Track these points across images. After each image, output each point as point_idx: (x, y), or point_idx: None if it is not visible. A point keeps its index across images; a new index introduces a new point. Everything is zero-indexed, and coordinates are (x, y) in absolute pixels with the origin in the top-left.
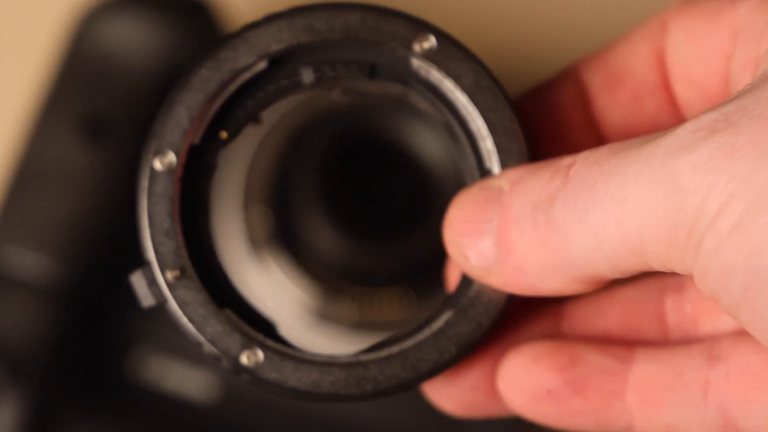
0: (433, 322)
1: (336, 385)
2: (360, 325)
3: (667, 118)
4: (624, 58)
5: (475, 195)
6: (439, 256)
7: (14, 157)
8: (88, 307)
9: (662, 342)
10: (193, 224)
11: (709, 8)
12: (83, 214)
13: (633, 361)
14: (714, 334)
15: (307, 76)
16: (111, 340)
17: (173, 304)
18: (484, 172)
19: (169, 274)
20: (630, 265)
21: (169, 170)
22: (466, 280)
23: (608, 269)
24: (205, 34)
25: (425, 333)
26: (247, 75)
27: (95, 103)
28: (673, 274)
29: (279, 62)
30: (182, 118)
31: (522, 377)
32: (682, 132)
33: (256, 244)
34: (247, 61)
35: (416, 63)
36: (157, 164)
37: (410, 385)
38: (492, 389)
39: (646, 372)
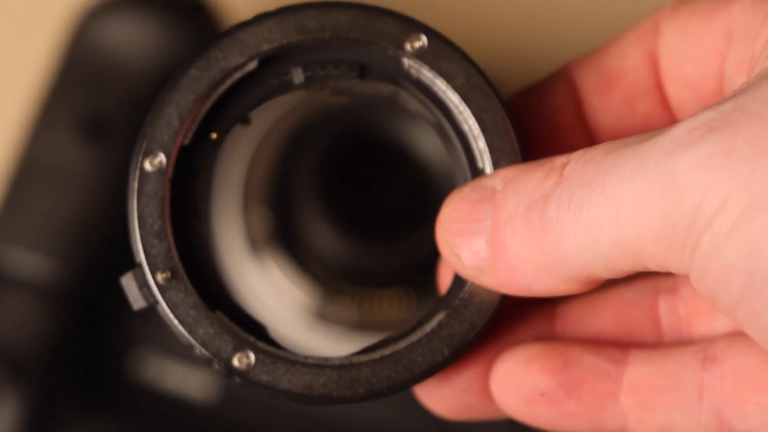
0: (425, 323)
1: (328, 387)
2: (360, 326)
3: (659, 119)
4: (616, 59)
5: (467, 194)
6: (438, 256)
7: (14, 157)
8: (88, 307)
9: (656, 343)
10: (183, 225)
11: (703, 9)
12: (83, 214)
13: (627, 362)
14: (708, 335)
15: (297, 76)
16: (111, 340)
17: (164, 307)
18: (477, 172)
19: (160, 276)
20: (625, 265)
21: (159, 171)
22: (458, 281)
23: (603, 269)
24: (205, 34)
25: (418, 334)
26: (237, 75)
27: (95, 103)
28: (666, 275)
29: (269, 62)
30: (172, 118)
31: (515, 379)
32: (679, 130)
33: (255, 244)
34: (237, 60)
35: (407, 62)
36: (147, 165)
37: (403, 387)
38: (485, 391)
39: (640, 374)
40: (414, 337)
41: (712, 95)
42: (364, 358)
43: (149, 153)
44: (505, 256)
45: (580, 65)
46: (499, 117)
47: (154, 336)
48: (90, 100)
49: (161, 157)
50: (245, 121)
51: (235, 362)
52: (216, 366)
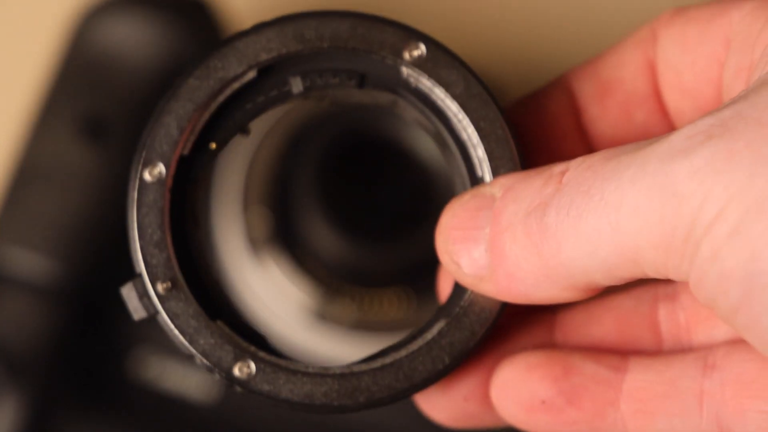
0: (426, 331)
1: (329, 396)
2: (360, 326)
3: (657, 127)
4: (614, 67)
5: (466, 202)
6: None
7: (14, 157)
8: (88, 307)
9: (656, 351)
10: (183, 235)
11: (701, 16)
12: (83, 214)
13: (627, 370)
14: (708, 342)
15: (296, 85)
16: (111, 340)
17: (165, 317)
18: (476, 180)
19: (160, 287)
20: (625, 271)
21: (159, 181)
22: (459, 289)
23: (602, 276)
24: (205, 34)
25: (418, 342)
26: (236, 85)
27: (95, 103)
28: (666, 282)
29: (268, 71)
30: (171, 128)
31: (516, 387)
32: (679, 137)
33: (255, 244)
34: (236, 70)
35: (406, 71)
36: (147, 175)
37: (404, 395)
38: (485, 400)
39: (640, 381)
40: (414, 346)
41: (711, 102)
42: (364, 366)
43: (149, 163)
44: (505, 264)
45: (578, 73)
46: (497, 125)
47: (154, 336)
48: (90, 100)
49: (161, 168)
50: (244, 131)
51: (236, 372)
52: (217, 375)
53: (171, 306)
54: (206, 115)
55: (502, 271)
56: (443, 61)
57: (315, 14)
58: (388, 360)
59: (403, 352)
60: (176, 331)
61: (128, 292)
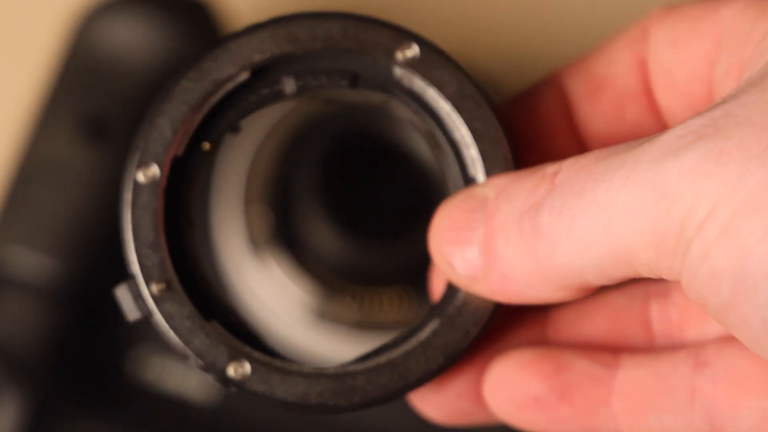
0: (420, 331)
1: (324, 396)
2: (360, 325)
3: (649, 125)
4: (605, 65)
5: (459, 203)
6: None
7: (14, 157)
8: (88, 307)
9: (648, 348)
10: (177, 235)
11: (692, 14)
12: (83, 214)
13: (619, 367)
14: (700, 339)
15: (289, 85)
16: (111, 341)
17: (159, 318)
18: (469, 181)
19: (155, 288)
20: (618, 271)
21: (153, 182)
22: (452, 288)
23: (596, 276)
24: (205, 34)
25: (412, 342)
26: (229, 86)
27: (95, 103)
28: (658, 280)
29: (261, 72)
30: (165, 129)
31: (508, 385)
32: (669, 137)
33: (256, 244)
34: (229, 71)
35: (399, 72)
36: (141, 177)
37: (398, 395)
38: (478, 397)
39: (632, 378)
40: (408, 346)
41: (702, 100)
42: (359, 366)
43: (142, 164)
44: (499, 265)
45: (569, 71)
46: (491, 125)
47: (154, 336)
48: (91, 100)
49: (154, 169)
50: (236, 129)
51: (231, 372)
52: (212, 376)
53: (165, 307)
54: (199, 116)
55: (496, 272)
56: (436, 61)
57: (308, 15)
58: (382, 360)
59: (397, 352)
60: (171, 332)
61: (122, 294)
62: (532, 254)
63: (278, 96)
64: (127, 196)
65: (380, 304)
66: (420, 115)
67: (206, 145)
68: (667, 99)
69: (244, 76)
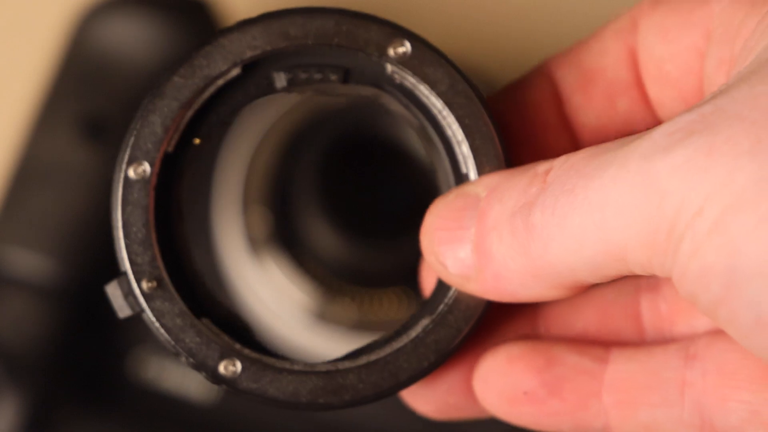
0: (410, 328)
1: (315, 394)
2: (359, 326)
3: (641, 116)
4: (596, 56)
5: (451, 202)
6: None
7: (14, 157)
8: (88, 307)
9: (638, 342)
10: (168, 233)
11: (682, 6)
12: (83, 214)
13: (609, 361)
14: (690, 333)
15: (280, 80)
16: (111, 340)
17: (150, 315)
18: (460, 177)
19: (145, 285)
20: (611, 269)
21: (143, 179)
22: (442, 285)
23: (589, 274)
24: (205, 34)
25: (403, 340)
26: (220, 82)
27: (95, 103)
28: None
29: (253, 67)
30: (156, 126)
31: (498, 379)
32: (659, 134)
33: (255, 244)
34: (221, 68)
35: (390, 68)
36: (131, 173)
37: (389, 393)
38: (469, 391)
39: (622, 372)
40: (399, 343)
41: (693, 93)
42: (349, 364)
43: (133, 161)
44: (491, 264)
45: (559, 61)
46: (482, 122)
47: (154, 336)
48: (90, 100)
49: (145, 165)
50: (227, 124)
51: (222, 370)
52: (203, 374)
53: (156, 304)
54: (190, 112)
55: (489, 271)
56: (428, 58)
57: (300, 11)
58: (373, 357)
59: (388, 350)
60: (161, 330)
61: (113, 291)
62: (524, 253)
63: (269, 90)
64: (118, 193)
65: (380, 304)
66: (411, 112)
67: (197, 141)
68: (658, 91)
69: (235, 71)
